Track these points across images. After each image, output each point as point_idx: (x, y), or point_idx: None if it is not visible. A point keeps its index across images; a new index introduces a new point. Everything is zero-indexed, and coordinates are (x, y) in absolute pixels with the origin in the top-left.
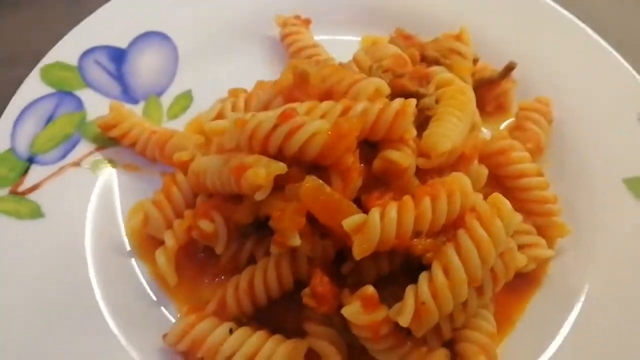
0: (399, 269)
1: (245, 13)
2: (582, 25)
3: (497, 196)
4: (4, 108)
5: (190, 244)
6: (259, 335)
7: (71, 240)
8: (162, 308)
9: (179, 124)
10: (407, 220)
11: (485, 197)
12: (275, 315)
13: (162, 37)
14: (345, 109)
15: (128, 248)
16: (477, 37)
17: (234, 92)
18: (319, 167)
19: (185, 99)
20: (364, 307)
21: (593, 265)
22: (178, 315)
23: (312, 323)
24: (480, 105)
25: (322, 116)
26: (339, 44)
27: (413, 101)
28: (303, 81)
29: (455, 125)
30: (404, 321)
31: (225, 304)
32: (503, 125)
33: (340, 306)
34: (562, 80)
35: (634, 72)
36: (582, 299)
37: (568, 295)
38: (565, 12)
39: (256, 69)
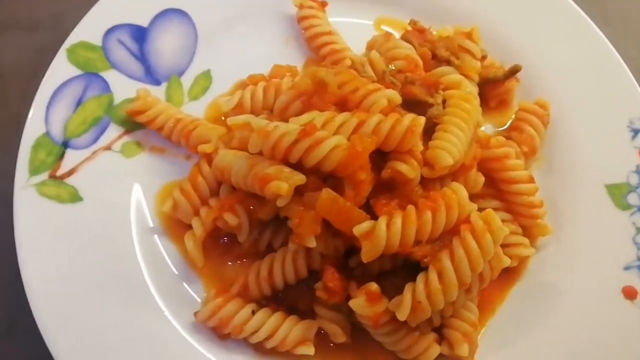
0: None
1: None
2: (590, 22)
3: (489, 212)
4: (31, 76)
5: (214, 230)
6: (277, 316)
7: (109, 222)
8: (184, 284)
9: (199, 106)
10: (410, 231)
11: (480, 198)
12: (290, 297)
13: (181, 14)
14: (360, 122)
15: (158, 229)
16: (486, 31)
17: (252, 79)
18: (335, 176)
19: (205, 80)
20: (368, 300)
21: (570, 262)
22: (204, 294)
23: (322, 307)
24: (484, 101)
25: (339, 128)
26: (353, 27)
27: (422, 119)
28: (321, 89)
29: (459, 138)
30: (402, 316)
31: (248, 288)
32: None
33: (348, 296)
34: (562, 80)
35: (633, 79)
36: (558, 290)
37: (545, 286)
38: (576, 8)
39: (273, 48)
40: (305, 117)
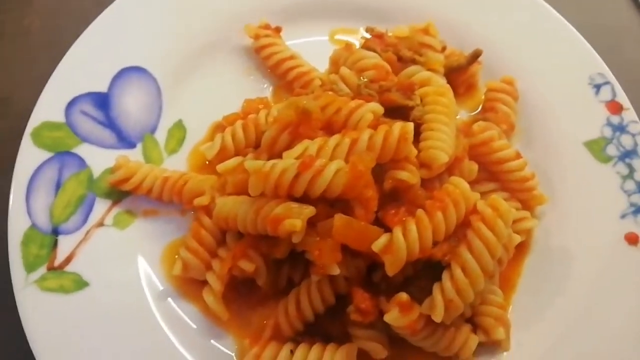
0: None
1: (213, 29)
2: None
3: (495, 198)
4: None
5: (231, 279)
6: (316, 348)
7: (122, 299)
8: (212, 341)
9: (179, 158)
10: (426, 235)
11: (476, 184)
12: (322, 325)
13: (138, 71)
14: (353, 141)
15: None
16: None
17: (228, 120)
18: (341, 199)
19: (179, 131)
20: (401, 311)
21: (569, 224)
22: (236, 346)
23: (356, 327)
24: (453, 88)
25: (333, 152)
26: (309, 46)
27: (411, 125)
28: (305, 117)
29: (446, 134)
30: (438, 317)
31: (280, 328)
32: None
33: (380, 312)
34: (520, 54)
35: (583, 39)
36: (566, 253)
37: (553, 252)
38: None
39: (238, 83)
40: (298, 149)
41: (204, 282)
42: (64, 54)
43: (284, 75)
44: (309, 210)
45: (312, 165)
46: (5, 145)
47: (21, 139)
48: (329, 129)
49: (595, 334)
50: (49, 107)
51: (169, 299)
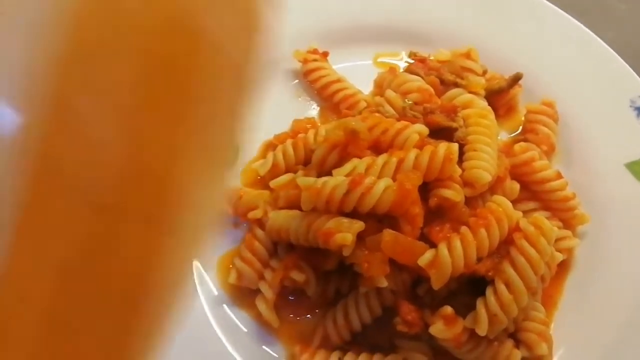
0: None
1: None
2: (570, 18)
3: (538, 217)
4: None
5: (282, 289)
6: (363, 357)
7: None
8: (264, 347)
9: (233, 175)
10: (471, 251)
11: (518, 203)
12: (368, 335)
13: None
14: (400, 160)
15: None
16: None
17: (278, 139)
18: (388, 215)
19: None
20: (446, 324)
21: (611, 243)
22: (285, 352)
23: (402, 338)
24: (493, 110)
25: (382, 170)
26: (355, 70)
27: (456, 146)
28: (354, 137)
29: (489, 155)
30: (482, 331)
31: (328, 337)
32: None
33: (425, 324)
34: (559, 76)
35: (622, 61)
36: (609, 272)
37: (595, 271)
38: (554, 8)
39: (287, 103)
40: (348, 167)
41: (257, 291)
42: None
43: (330, 97)
44: (359, 225)
45: (361, 182)
46: None
47: None
48: (376, 148)
49: (637, 352)
50: None
51: (223, 305)
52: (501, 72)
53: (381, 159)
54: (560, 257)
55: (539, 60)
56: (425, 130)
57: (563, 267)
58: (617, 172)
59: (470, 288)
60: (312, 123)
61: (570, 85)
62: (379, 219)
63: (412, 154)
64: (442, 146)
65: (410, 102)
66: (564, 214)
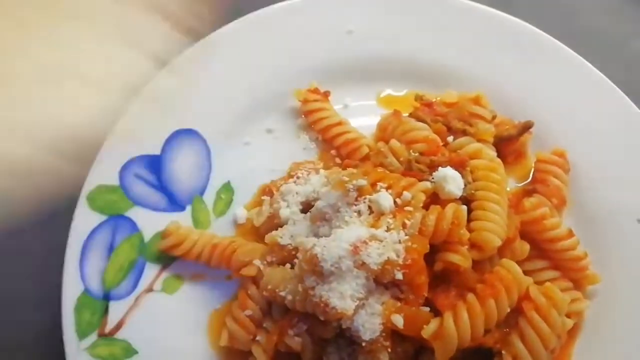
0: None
1: (263, 92)
2: (581, 59)
3: (549, 287)
4: None
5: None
6: None
7: None
8: None
9: (227, 220)
10: (478, 322)
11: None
12: None
13: (190, 133)
14: (403, 225)
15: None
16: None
17: (276, 186)
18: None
19: (227, 192)
20: None
21: (622, 304)
22: None
23: None
24: (501, 158)
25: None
26: (357, 110)
27: (464, 209)
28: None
29: (499, 214)
30: None
31: None
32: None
33: None
34: (570, 123)
35: (637, 109)
36: (619, 334)
37: (605, 333)
38: (565, 47)
39: (285, 142)
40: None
41: (249, 353)
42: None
43: (331, 141)
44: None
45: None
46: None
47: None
48: None
49: None
50: (103, 171)
51: None
52: (511, 116)
53: (384, 222)
54: (570, 323)
55: (550, 105)
56: (431, 188)
57: (572, 331)
58: (630, 228)
59: (476, 358)
60: (312, 165)
61: (583, 134)
62: (385, 286)
63: (418, 216)
64: (450, 208)
65: (415, 154)
66: (575, 274)
